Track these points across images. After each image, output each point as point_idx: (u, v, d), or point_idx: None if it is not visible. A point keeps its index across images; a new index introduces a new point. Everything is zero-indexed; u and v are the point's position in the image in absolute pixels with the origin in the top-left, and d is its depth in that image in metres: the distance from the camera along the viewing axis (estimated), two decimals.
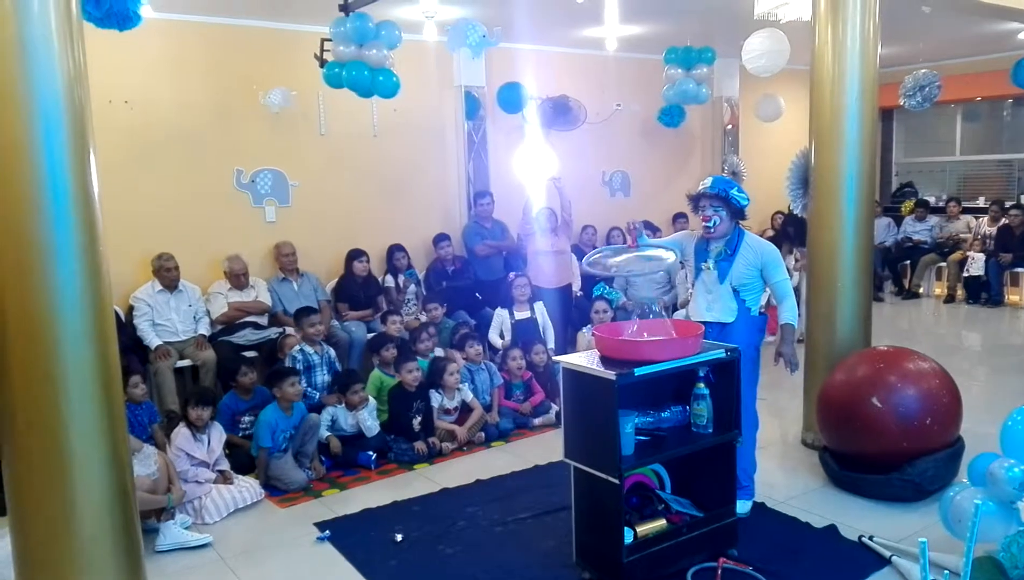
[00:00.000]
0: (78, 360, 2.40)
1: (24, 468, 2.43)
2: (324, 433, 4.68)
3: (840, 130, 4.39)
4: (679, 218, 8.44)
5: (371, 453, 4.64)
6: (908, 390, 3.87)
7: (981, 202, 10.15)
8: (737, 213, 3.66)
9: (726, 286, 3.68)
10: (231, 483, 4.14)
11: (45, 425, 2.40)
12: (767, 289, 3.81)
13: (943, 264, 9.37)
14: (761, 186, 9.25)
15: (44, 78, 2.32)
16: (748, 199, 3.68)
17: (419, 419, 4.86)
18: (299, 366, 5.06)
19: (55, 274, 2.35)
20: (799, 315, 4.60)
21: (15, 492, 2.47)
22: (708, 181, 3.67)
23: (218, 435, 4.27)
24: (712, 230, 3.65)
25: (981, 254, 8.93)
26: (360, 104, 6.00)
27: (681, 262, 3.83)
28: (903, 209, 10.14)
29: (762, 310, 3.85)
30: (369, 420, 4.76)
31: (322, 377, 5.18)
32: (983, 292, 8.88)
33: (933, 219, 9.78)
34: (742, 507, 3.60)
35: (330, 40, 5.35)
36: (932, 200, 10.26)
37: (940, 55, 9.18)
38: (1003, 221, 9.07)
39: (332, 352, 5.37)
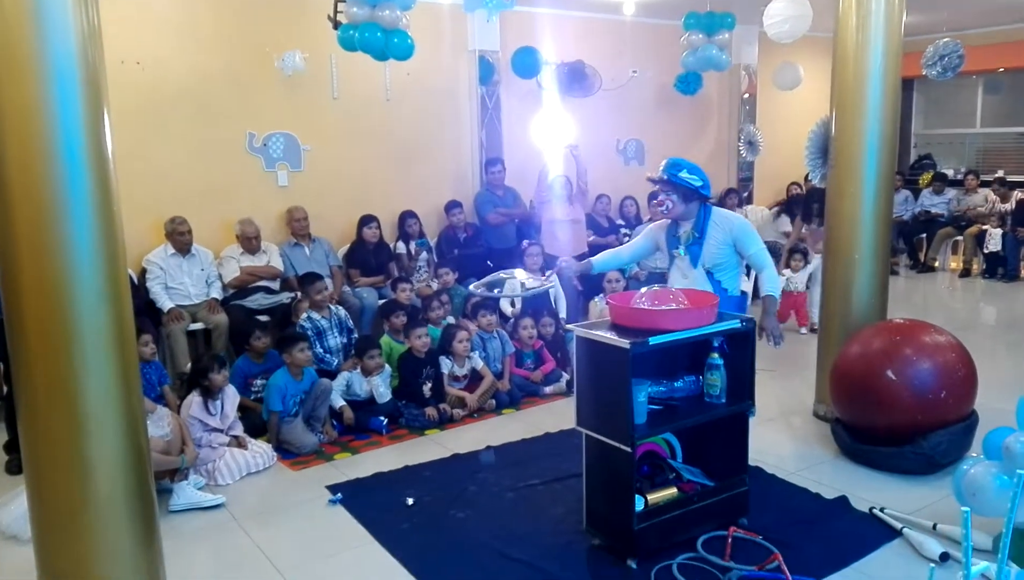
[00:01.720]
0: (93, 320, 2.40)
1: (40, 428, 2.44)
2: (339, 400, 4.70)
3: (862, 99, 4.31)
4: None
5: (383, 418, 4.66)
6: (924, 363, 3.84)
7: (1000, 175, 10.02)
8: (691, 194, 3.61)
9: (700, 270, 3.67)
10: (245, 448, 4.17)
11: (61, 386, 2.40)
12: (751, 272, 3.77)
13: (960, 238, 9.28)
14: (779, 156, 9.18)
15: (58, 36, 2.28)
16: (702, 180, 3.61)
17: (429, 385, 4.87)
18: (309, 333, 5.07)
19: (70, 234, 2.33)
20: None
21: (31, 452, 2.49)
22: (662, 165, 3.66)
23: (232, 400, 4.28)
24: (666, 213, 3.67)
25: (999, 229, 8.83)
26: (373, 67, 5.94)
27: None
28: (921, 181, 10.02)
29: (742, 291, 3.82)
30: (382, 387, 4.78)
31: (334, 340, 5.19)
32: (1000, 266, 8.80)
33: (951, 192, 9.66)
34: None
35: (344, 1, 5.28)
36: (950, 173, 10.13)
37: (963, 24, 9.00)
38: (1020, 196, 8.97)
39: (342, 311, 5.37)
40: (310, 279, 5.34)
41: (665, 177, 3.59)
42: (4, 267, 2.37)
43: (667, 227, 3.78)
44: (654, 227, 3.90)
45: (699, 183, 3.59)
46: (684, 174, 3.57)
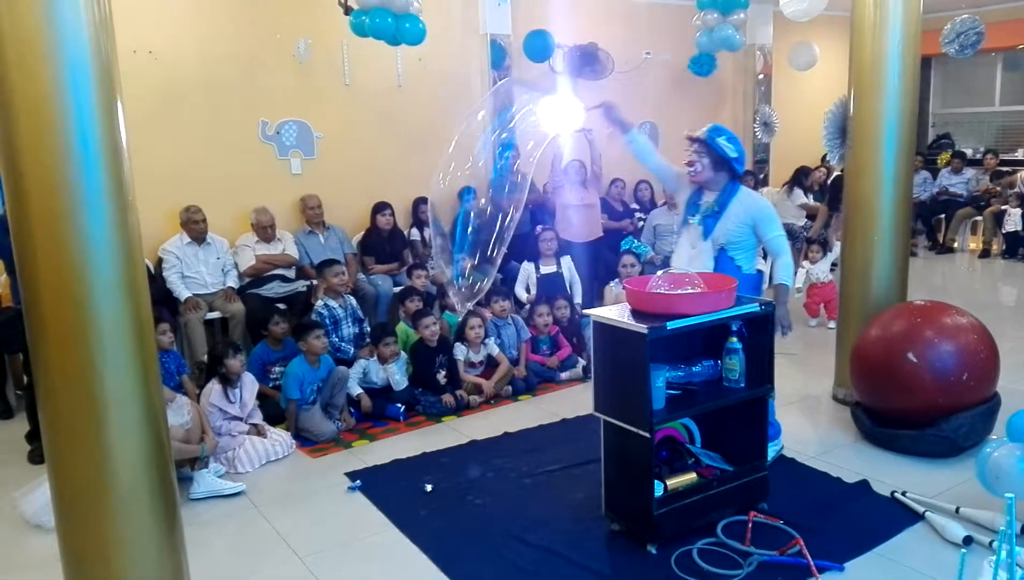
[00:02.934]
0: (110, 310, 2.40)
1: (60, 418, 2.45)
2: (356, 388, 4.71)
3: (881, 78, 4.25)
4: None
5: (400, 405, 4.67)
6: (945, 345, 3.79)
7: (1020, 154, 9.88)
8: (722, 163, 3.55)
9: (708, 244, 3.62)
10: (264, 436, 4.19)
11: (80, 375, 2.41)
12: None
13: (979, 218, 9.17)
14: (795, 137, 9.08)
15: (70, 28, 2.27)
16: (738, 152, 3.56)
17: (443, 373, 4.87)
18: (326, 322, 5.06)
19: (85, 224, 2.33)
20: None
21: (52, 441, 2.50)
22: (706, 126, 3.62)
23: (250, 387, 4.30)
24: (692, 175, 3.62)
25: (1018, 209, 8.72)
26: (385, 53, 5.91)
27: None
28: (939, 161, 9.89)
29: (758, 269, 3.78)
30: (398, 374, 4.78)
31: (348, 329, 5.18)
32: (1020, 246, 8.69)
33: (970, 172, 9.54)
34: None
35: None
36: (969, 152, 10.00)
37: (983, 0, 8.84)
38: None
39: (353, 301, 5.36)
40: (327, 262, 5.33)
41: (702, 138, 3.56)
42: (21, 258, 2.37)
43: (692, 189, 3.71)
44: (684, 176, 3.72)
45: (734, 154, 3.55)
46: (721, 141, 3.53)
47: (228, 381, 4.16)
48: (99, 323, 2.39)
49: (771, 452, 3.64)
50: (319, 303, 5.13)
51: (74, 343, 2.39)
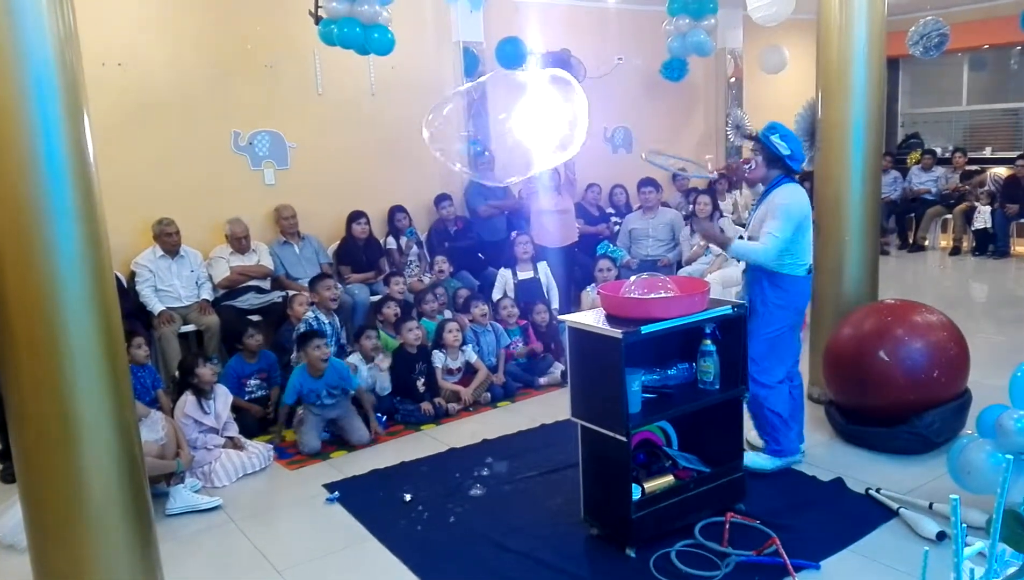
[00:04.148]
0: (81, 327, 2.38)
1: (31, 437, 2.42)
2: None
3: (847, 80, 4.31)
4: (678, 176, 8.36)
5: (379, 414, 4.65)
6: (915, 343, 3.85)
7: (988, 152, 10.05)
8: (775, 161, 3.55)
9: (746, 237, 3.67)
10: (241, 449, 4.15)
11: (51, 394, 2.38)
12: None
13: (949, 216, 9.31)
14: None
15: (34, 40, 2.25)
16: (791, 150, 3.52)
17: (422, 381, 4.86)
18: None
19: (53, 241, 2.31)
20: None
21: (23, 461, 2.47)
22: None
23: (224, 399, 4.26)
24: (748, 172, 3.65)
25: (987, 207, 8.86)
26: (357, 62, 5.90)
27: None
28: (909, 160, 10.04)
29: (810, 269, 3.66)
30: (385, 381, 4.77)
31: (330, 348, 5.13)
32: (990, 244, 8.83)
33: (939, 170, 9.68)
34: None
35: None
36: (938, 151, 10.16)
37: (947, 2, 8.99)
38: (996, 173, 9.08)
39: (337, 321, 5.34)
40: (319, 277, 5.35)
41: (757, 135, 3.59)
42: None
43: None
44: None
45: (786, 152, 3.53)
46: (775, 138, 3.54)
47: (201, 392, 4.13)
48: (69, 341, 2.37)
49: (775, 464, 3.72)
50: (309, 314, 5.09)
51: (44, 361, 2.36)
